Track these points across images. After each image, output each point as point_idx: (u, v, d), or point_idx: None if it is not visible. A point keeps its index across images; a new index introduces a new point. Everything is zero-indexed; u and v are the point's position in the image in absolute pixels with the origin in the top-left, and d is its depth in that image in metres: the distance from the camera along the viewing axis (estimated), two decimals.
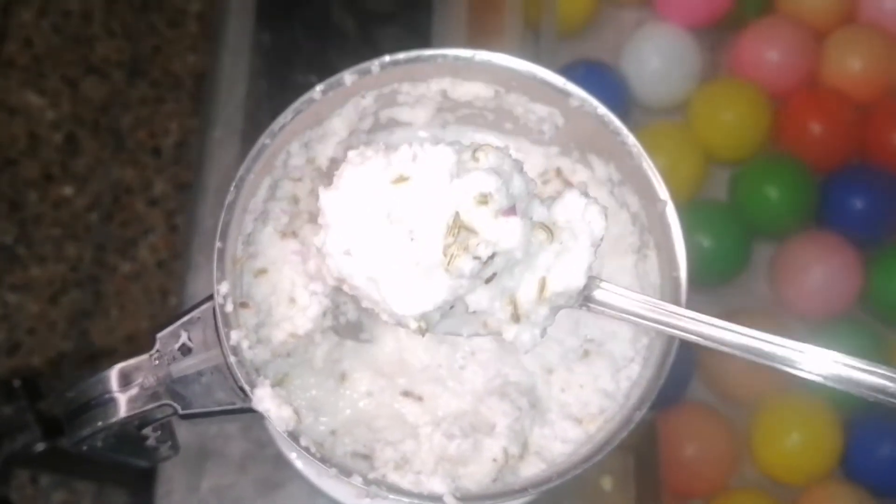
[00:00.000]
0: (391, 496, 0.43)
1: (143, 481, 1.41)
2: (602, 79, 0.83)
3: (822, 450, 0.77)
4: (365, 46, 0.82)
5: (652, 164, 0.47)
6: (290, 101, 0.47)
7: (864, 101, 0.85)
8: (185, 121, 1.68)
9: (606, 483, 0.67)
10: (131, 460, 0.54)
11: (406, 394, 0.49)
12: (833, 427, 0.77)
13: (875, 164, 0.84)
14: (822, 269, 0.80)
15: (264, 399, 0.44)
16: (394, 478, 0.44)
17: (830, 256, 0.80)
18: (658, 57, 0.84)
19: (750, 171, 0.84)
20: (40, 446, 1.06)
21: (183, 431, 0.54)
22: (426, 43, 0.79)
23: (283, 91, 0.73)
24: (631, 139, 0.48)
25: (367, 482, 0.43)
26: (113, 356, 1.56)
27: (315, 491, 0.65)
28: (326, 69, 0.60)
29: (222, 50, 0.74)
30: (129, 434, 0.52)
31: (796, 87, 0.85)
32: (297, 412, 0.44)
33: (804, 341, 0.42)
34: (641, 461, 0.68)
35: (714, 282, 0.81)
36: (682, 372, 0.79)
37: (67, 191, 1.65)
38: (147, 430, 0.51)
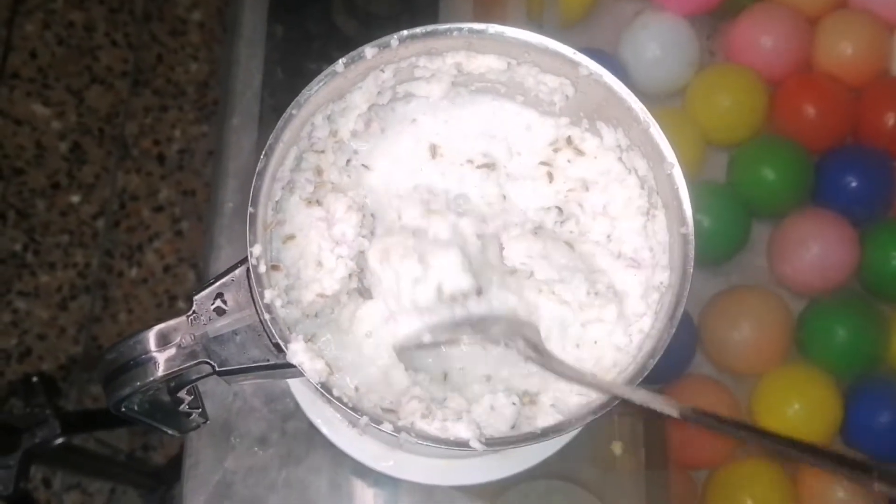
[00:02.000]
0: (419, 441, 0.46)
1: (155, 481, 1.43)
2: (602, 66, 0.86)
3: (822, 419, 0.79)
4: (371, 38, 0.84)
5: (659, 129, 0.50)
6: (303, 88, 0.49)
7: (856, 84, 0.87)
8: (189, 128, 1.71)
9: (617, 448, 0.69)
10: (164, 427, 0.56)
11: (422, 346, 0.51)
12: (832, 396, 0.79)
13: (867, 144, 0.86)
14: (819, 245, 0.82)
15: (298, 353, 0.46)
16: (421, 425, 0.47)
17: (826, 233, 0.82)
18: (656, 44, 0.86)
19: (747, 153, 0.86)
20: (59, 441, 1.08)
21: (209, 406, 0.56)
22: None
23: (297, 79, 0.76)
24: (638, 105, 0.50)
25: (397, 429, 0.45)
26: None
27: (338, 460, 0.67)
28: (337, 57, 0.63)
29: (238, 42, 0.77)
30: (164, 400, 0.54)
31: (790, 72, 0.87)
32: (328, 364, 0.47)
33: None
34: (650, 428, 0.70)
35: (715, 259, 0.84)
36: (686, 346, 0.81)
37: (74, 198, 1.67)
38: (182, 394, 0.53)
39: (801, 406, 0.79)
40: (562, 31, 0.87)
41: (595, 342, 0.52)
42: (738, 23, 0.88)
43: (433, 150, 0.55)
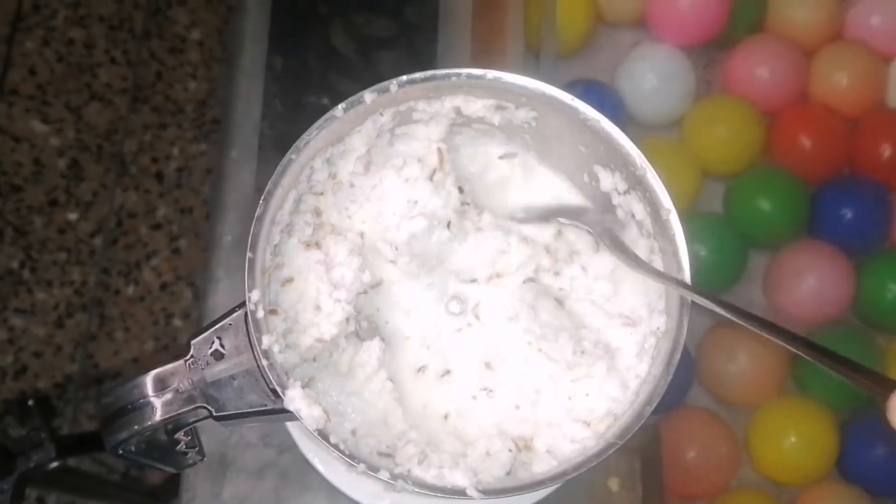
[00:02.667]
0: (416, 489, 0.46)
1: (150, 501, 1.43)
2: (599, 97, 0.86)
3: (819, 451, 0.79)
4: (370, 69, 0.85)
5: (656, 175, 0.50)
6: (302, 122, 0.50)
7: (851, 115, 0.88)
8: (188, 146, 1.71)
9: (613, 484, 0.69)
10: (160, 466, 0.56)
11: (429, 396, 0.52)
12: (829, 428, 0.79)
13: (863, 174, 0.87)
14: (815, 276, 0.82)
15: (295, 399, 0.46)
16: (418, 472, 0.47)
17: (822, 264, 0.83)
18: (653, 75, 0.87)
19: (744, 184, 0.87)
20: (54, 464, 1.08)
21: (205, 441, 0.56)
22: (431, 65, 0.82)
23: (296, 112, 0.76)
24: (635, 150, 0.51)
25: (394, 477, 0.46)
26: (118, 378, 1.59)
27: (333, 495, 0.67)
28: (336, 90, 0.63)
29: (238, 74, 0.77)
30: (160, 440, 0.54)
31: (787, 103, 0.88)
32: (325, 411, 0.47)
33: None
34: (647, 463, 0.71)
35: (712, 290, 0.84)
36: (682, 378, 0.81)
37: (72, 216, 1.67)
38: (179, 435, 0.53)
39: (797, 438, 0.79)
40: (560, 61, 0.87)
41: (587, 395, 0.52)
42: (735, 54, 0.89)
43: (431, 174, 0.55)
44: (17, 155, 1.69)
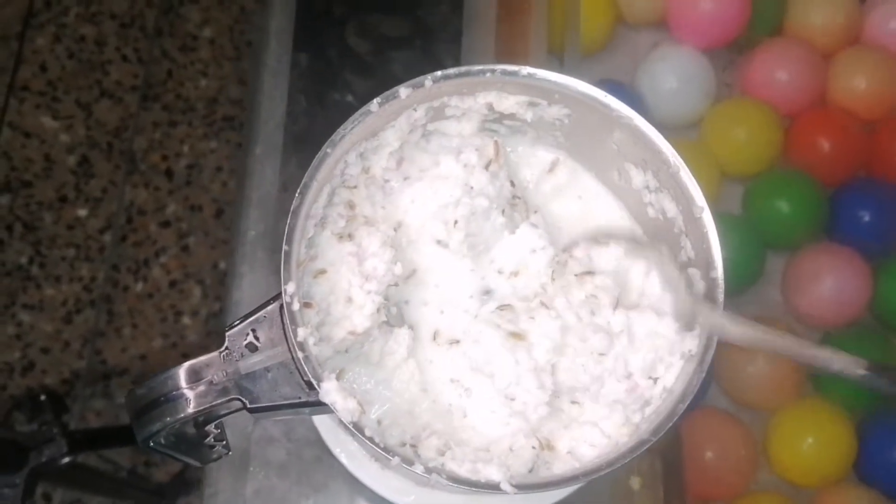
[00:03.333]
0: (450, 483, 0.46)
1: (157, 498, 1.43)
2: (619, 98, 0.86)
3: (836, 453, 0.80)
4: (389, 67, 0.85)
5: (689, 172, 0.50)
6: (326, 118, 0.50)
7: (869, 119, 0.88)
8: (198, 143, 1.72)
9: (635, 483, 0.69)
10: (187, 459, 0.56)
11: (454, 381, 0.51)
12: (846, 431, 0.80)
13: (881, 178, 0.87)
14: (833, 279, 0.83)
15: (331, 392, 0.46)
16: (451, 466, 0.47)
17: (840, 267, 0.83)
18: (673, 77, 0.87)
19: (762, 186, 0.87)
20: (65, 459, 1.08)
21: (228, 434, 0.56)
22: (441, 67, 0.83)
23: (320, 108, 0.76)
24: (669, 148, 0.51)
25: (428, 470, 0.46)
26: (126, 375, 1.59)
27: (356, 490, 0.67)
28: (358, 87, 0.63)
29: (263, 70, 0.77)
30: (189, 433, 0.54)
31: (805, 106, 0.89)
32: (360, 404, 0.47)
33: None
34: (668, 463, 0.71)
35: (730, 291, 0.84)
36: (702, 380, 0.81)
37: (81, 212, 1.67)
38: (209, 428, 0.53)
39: (815, 440, 0.79)
40: (581, 62, 0.87)
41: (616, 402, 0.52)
42: (754, 57, 0.89)
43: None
44: (27, 151, 1.69)
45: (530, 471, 0.50)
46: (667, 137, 0.66)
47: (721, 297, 0.49)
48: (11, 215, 1.65)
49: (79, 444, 1.10)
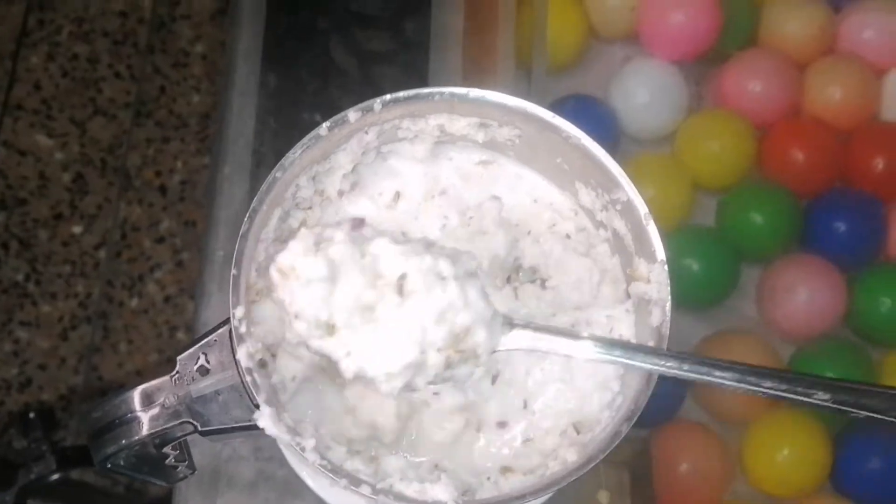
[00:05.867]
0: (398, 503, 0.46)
1: None
2: (592, 112, 0.87)
3: (812, 464, 0.79)
4: (365, 85, 0.86)
5: (632, 185, 0.51)
6: (295, 139, 0.50)
7: (844, 129, 0.88)
8: (191, 159, 1.73)
9: (603, 497, 0.69)
10: (151, 479, 0.56)
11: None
12: (822, 442, 0.79)
13: (856, 188, 0.87)
14: (807, 290, 0.82)
15: (264, 416, 0.46)
16: (400, 487, 0.47)
17: (815, 278, 0.83)
18: (645, 90, 0.87)
19: (736, 198, 0.87)
20: (55, 476, 1.09)
21: (197, 454, 0.57)
22: (423, 82, 0.83)
23: (289, 129, 0.77)
24: (617, 169, 0.51)
25: (376, 492, 0.46)
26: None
27: None
28: (329, 107, 0.63)
29: (231, 91, 0.78)
30: (150, 454, 0.55)
31: (779, 117, 0.88)
32: (299, 427, 0.47)
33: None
34: (636, 477, 0.71)
35: (703, 303, 0.84)
36: (675, 391, 0.82)
37: (76, 229, 1.69)
38: (167, 449, 0.54)
39: (790, 452, 0.79)
40: (552, 77, 0.88)
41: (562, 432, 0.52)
42: (727, 69, 0.89)
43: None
44: (22, 169, 1.71)
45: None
46: (637, 151, 0.67)
47: (666, 331, 0.49)
48: (7, 233, 1.67)
49: (68, 460, 1.10)
